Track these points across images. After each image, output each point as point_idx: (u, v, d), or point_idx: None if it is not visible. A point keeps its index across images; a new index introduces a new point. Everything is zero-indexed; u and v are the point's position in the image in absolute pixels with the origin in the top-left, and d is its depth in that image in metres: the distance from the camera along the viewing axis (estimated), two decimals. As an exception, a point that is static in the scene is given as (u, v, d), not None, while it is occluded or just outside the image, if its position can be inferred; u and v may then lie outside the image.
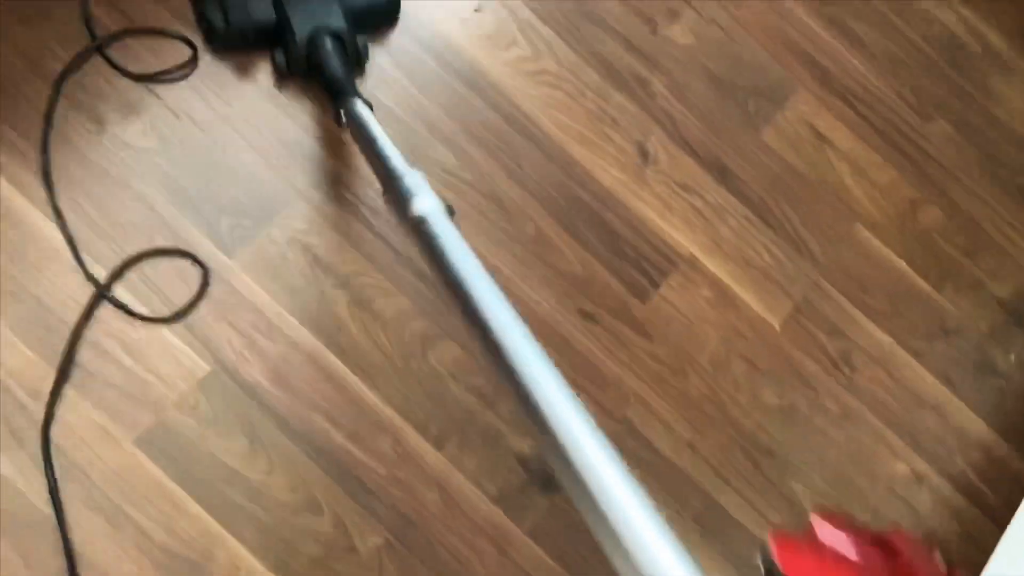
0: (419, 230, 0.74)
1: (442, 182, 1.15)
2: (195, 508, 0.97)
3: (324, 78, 1.04)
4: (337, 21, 1.07)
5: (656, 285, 1.18)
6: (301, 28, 1.06)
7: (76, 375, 0.98)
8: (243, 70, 1.12)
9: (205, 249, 1.05)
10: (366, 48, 1.12)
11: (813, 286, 1.23)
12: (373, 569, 0.99)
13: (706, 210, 1.23)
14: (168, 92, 1.10)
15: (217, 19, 1.08)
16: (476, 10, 1.25)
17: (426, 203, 0.75)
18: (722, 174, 1.26)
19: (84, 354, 0.98)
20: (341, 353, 1.06)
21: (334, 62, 1.04)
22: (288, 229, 1.08)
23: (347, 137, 1.11)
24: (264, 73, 1.13)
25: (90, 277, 1.00)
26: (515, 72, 1.23)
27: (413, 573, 1.00)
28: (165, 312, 1.02)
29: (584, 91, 1.25)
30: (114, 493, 0.95)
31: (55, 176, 1.03)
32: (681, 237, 1.21)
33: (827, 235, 1.27)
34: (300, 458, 1.01)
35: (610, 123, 1.24)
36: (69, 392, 0.97)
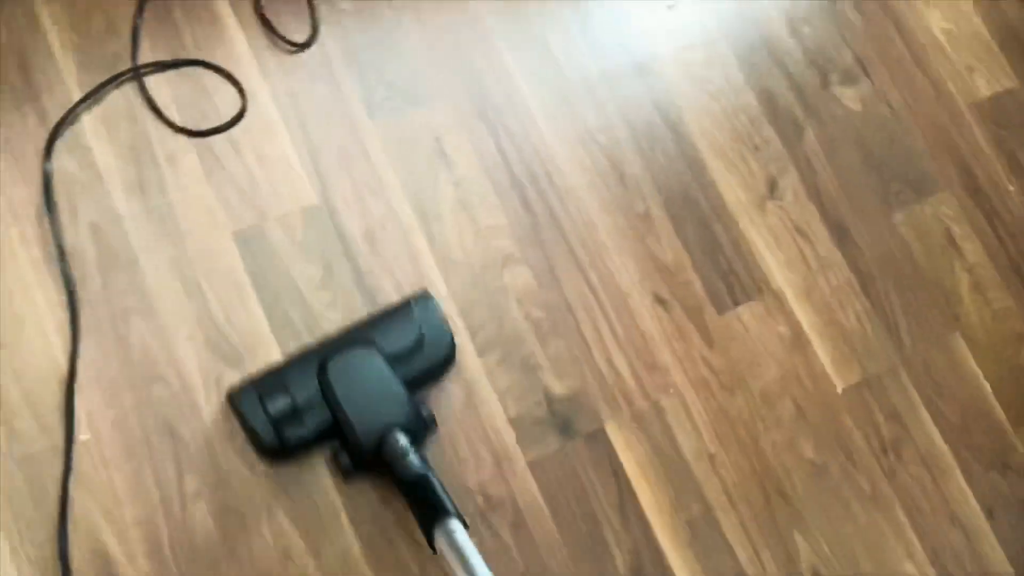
0: None
1: (577, 135, 1.22)
2: (257, 310, 1.05)
3: (404, 491, 0.92)
4: (403, 412, 0.96)
5: (736, 303, 1.20)
6: (366, 432, 0.94)
7: (216, 146, 1.09)
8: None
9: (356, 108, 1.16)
10: (432, 417, 1.01)
11: (890, 368, 1.22)
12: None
13: (812, 259, 1.25)
14: None
15: (269, 435, 0.95)
16: (670, 7, 1.32)
17: None
18: (841, 234, 1.27)
19: (225, 141, 1.10)
20: (430, 238, 1.13)
21: (410, 469, 0.91)
22: (431, 125, 1.18)
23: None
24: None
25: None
26: (684, 70, 1.29)
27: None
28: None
29: (739, 112, 1.30)
30: (199, 266, 1.05)
31: None
32: (777, 272, 1.23)
33: (923, 330, 1.25)
34: (358, 306, 1.08)
35: (752, 148, 1.28)
36: (195, 163, 1.08)
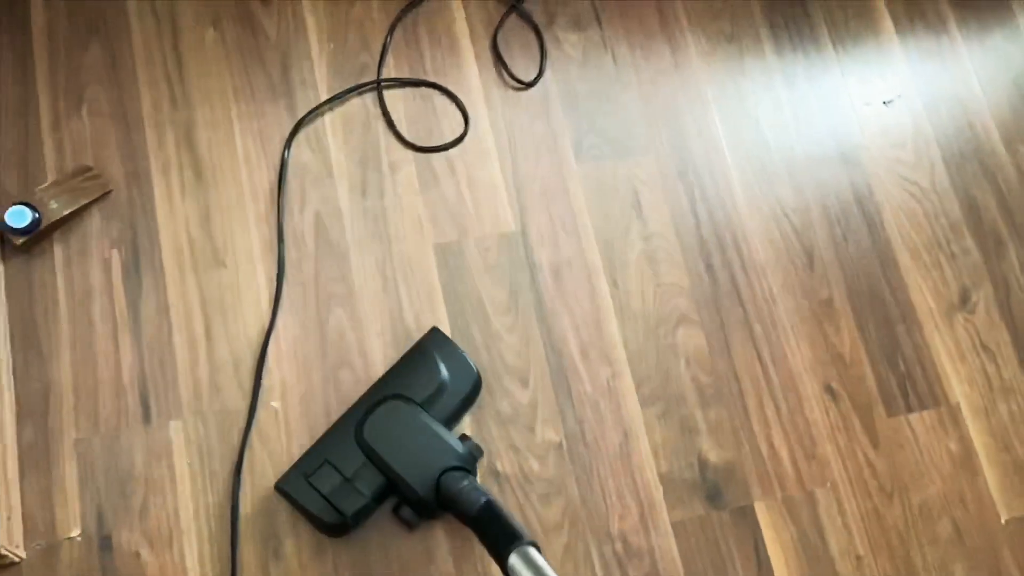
0: None
1: (771, 210, 1.23)
2: (444, 318, 1.11)
3: (472, 526, 0.91)
4: (450, 454, 0.96)
5: (909, 409, 1.17)
6: (423, 485, 0.94)
7: (435, 163, 1.17)
8: None
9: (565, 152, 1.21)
10: (479, 449, 1.02)
11: (1064, 511, 1.15)
12: (539, 458, 1.07)
13: (995, 380, 1.20)
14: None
15: (328, 513, 0.95)
16: (885, 103, 1.32)
17: None
18: (1029, 360, 1.22)
19: (443, 160, 1.17)
20: (613, 285, 1.16)
21: (475, 505, 0.90)
22: (634, 174, 1.22)
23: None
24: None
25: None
26: (889, 167, 1.28)
27: (564, 483, 1.07)
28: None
29: (940, 217, 1.27)
30: (399, 269, 1.12)
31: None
32: (957, 385, 1.19)
33: (1106, 478, 1.17)
34: (535, 335, 1.12)
35: (948, 256, 1.25)
36: (413, 175, 1.16)
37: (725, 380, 1.14)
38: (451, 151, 1.19)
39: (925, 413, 1.17)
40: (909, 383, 1.18)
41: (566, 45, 1.26)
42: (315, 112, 1.16)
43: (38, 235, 1.02)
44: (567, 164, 1.21)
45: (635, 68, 1.27)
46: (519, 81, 1.23)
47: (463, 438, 1.02)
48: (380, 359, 1.08)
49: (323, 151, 1.16)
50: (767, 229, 1.23)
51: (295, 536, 1.00)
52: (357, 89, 1.18)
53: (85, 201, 1.05)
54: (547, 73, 1.24)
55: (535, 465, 1.07)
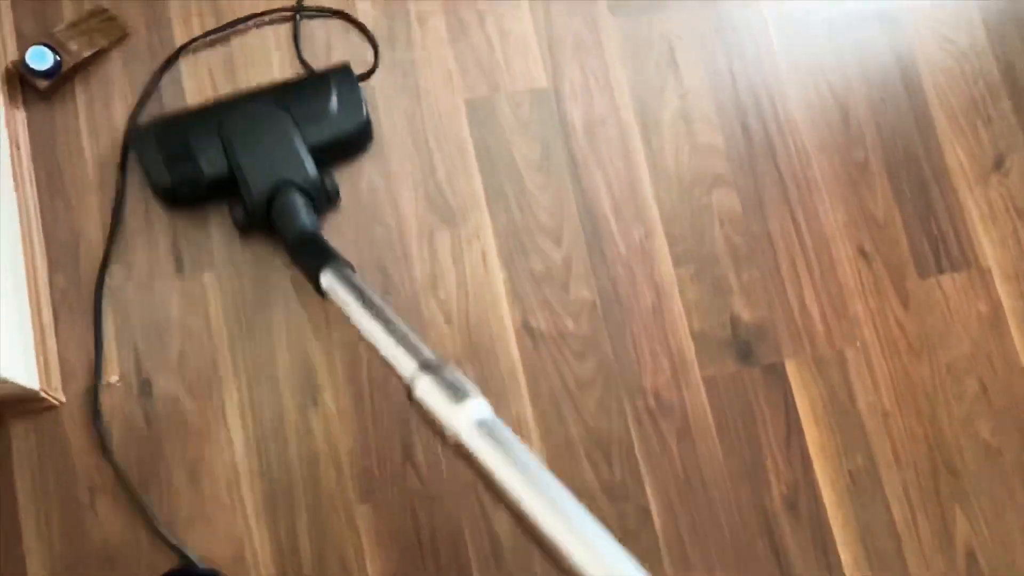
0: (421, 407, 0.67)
1: (809, 70, 1.19)
2: (476, 175, 1.09)
3: (289, 246, 0.92)
4: (299, 171, 0.94)
5: (940, 271, 1.16)
6: (259, 184, 0.93)
7: (463, 13, 1.12)
8: None
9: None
10: (335, 188, 0.99)
11: (1087, 370, 1.16)
12: (572, 316, 1.07)
13: (1027, 243, 1.19)
14: None
15: (160, 173, 0.94)
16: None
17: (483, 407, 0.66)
18: (1062, 225, 1.21)
19: (471, 10, 1.13)
20: (647, 144, 1.14)
21: (298, 225, 0.91)
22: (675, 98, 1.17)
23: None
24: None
25: None
26: (929, 26, 1.24)
27: (598, 340, 1.07)
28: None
29: (979, 79, 1.24)
30: (429, 125, 1.09)
31: None
32: (989, 248, 1.18)
33: None
34: (568, 194, 1.10)
35: (985, 119, 1.23)
36: (442, 26, 1.12)
37: (759, 241, 1.13)
38: (479, 2, 1.14)
39: (956, 275, 1.17)
40: (941, 245, 1.17)
41: None
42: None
43: (60, 79, 0.98)
44: (601, 17, 1.17)
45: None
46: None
47: (328, 174, 0.99)
48: (413, 217, 1.06)
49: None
50: (804, 88, 1.19)
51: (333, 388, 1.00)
52: (381, -66, 1.12)
53: (104, 43, 1.00)
54: (579, -79, 1.18)
55: (569, 323, 1.07)
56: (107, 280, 0.98)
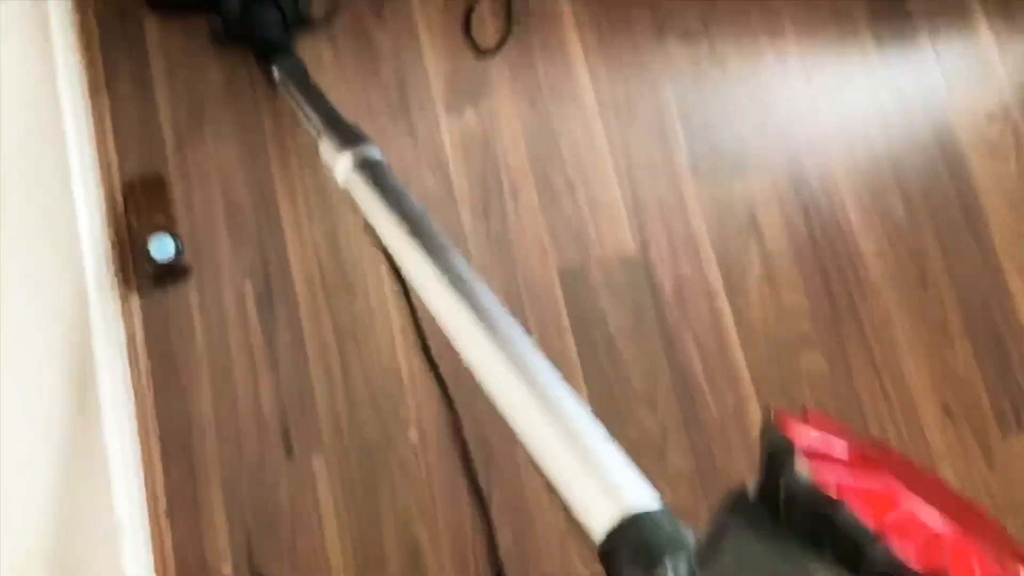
0: (365, 176, 0.72)
1: (885, 228, 1.22)
2: (569, 339, 1.11)
3: (251, 42, 1.00)
4: None
5: (1021, 428, 1.18)
6: None
7: (554, 182, 1.15)
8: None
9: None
10: (308, 12, 1.05)
11: None
12: (671, 487, 1.08)
13: (1102, 398, 1.21)
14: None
15: None
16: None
17: (373, 152, 0.74)
18: None
19: (561, 179, 1.16)
20: (734, 307, 1.16)
21: (262, 22, 0.99)
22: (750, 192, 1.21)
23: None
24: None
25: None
26: (998, 184, 1.28)
27: (695, 511, 1.07)
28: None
29: (1046, 235, 1.27)
30: (524, 294, 1.11)
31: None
32: (1067, 405, 1.20)
33: None
34: (661, 361, 1.12)
35: (1055, 274, 1.26)
36: (529, 193, 1.14)
37: (849, 405, 1.15)
38: (568, 170, 1.17)
39: (1037, 433, 1.18)
40: (1021, 401, 1.19)
41: (677, 57, 1.24)
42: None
43: (175, 265, 0.99)
44: (684, 180, 1.20)
45: (751, 82, 1.25)
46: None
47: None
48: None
49: (443, 172, 1.13)
50: (879, 244, 1.22)
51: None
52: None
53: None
54: (659, 85, 1.22)
55: (667, 495, 1.07)
56: (219, 468, 0.99)
